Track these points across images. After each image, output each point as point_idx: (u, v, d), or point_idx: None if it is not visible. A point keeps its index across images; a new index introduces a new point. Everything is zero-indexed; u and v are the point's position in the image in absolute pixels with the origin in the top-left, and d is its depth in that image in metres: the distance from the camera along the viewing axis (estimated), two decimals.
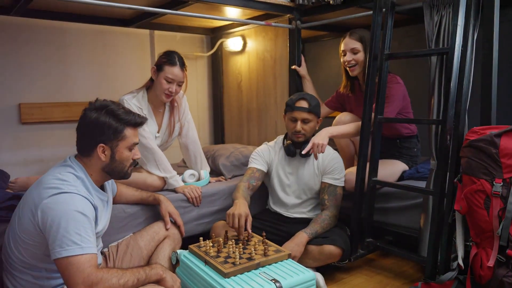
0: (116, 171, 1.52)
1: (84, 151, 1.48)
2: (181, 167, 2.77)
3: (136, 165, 1.61)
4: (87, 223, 1.32)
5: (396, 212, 2.24)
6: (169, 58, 2.13)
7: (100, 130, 1.43)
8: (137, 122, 1.51)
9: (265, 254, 1.70)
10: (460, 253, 1.70)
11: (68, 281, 1.25)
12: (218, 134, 3.53)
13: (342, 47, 2.35)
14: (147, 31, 3.16)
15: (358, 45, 2.27)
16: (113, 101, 1.53)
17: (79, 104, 2.86)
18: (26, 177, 2.28)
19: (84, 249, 1.27)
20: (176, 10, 2.40)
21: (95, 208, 1.42)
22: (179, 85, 2.17)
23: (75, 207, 1.31)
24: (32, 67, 2.69)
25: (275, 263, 1.69)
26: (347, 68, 2.35)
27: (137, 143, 1.55)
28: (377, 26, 2.10)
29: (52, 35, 2.74)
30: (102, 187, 1.58)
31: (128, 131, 1.48)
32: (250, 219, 1.90)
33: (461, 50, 1.78)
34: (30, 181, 2.22)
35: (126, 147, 1.49)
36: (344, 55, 2.33)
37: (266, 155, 2.27)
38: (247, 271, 1.61)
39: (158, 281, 1.43)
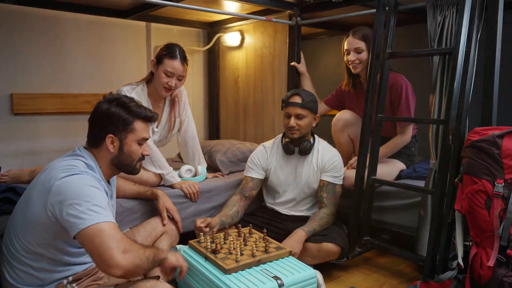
0: (124, 164, 1.49)
1: (94, 141, 1.46)
2: (176, 162, 2.74)
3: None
4: (103, 196, 1.30)
5: (393, 211, 2.25)
6: (169, 51, 2.07)
7: (110, 120, 1.43)
8: (147, 116, 1.50)
9: (266, 251, 1.68)
10: (460, 252, 1.71)
11: (99, 249, 1.18)
12: (213, 129, 3.50)
13: (345, 46, 2.34)
14: (143, 23, 3.11)
15: (361, 44, 2.27)
16: (126, 95, 1.53)
17: (73, 95, 2.81)
18: (19, 169, 2.22)
19: (107, 217, 1.24)
20: (175, 2, 2.36)
21: (106, 193, 1.40)
22: (179, 79, 2.12)
23: (90, 183, 1.29)
24: (26, 56, 2.62)
25: (276, 260, 1.68)
26: (350, 66, 2.34)
27: (147, 139, 1.53)
28: (380, 24, 2.10)
29: (47, 24, 2.67)
30: (108, 182, 1.55)
31: (138, 124, 1.47)
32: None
33: (465, 50, 1.78)
34: (23, 173, 2.17)
35: (135, 140, 1.48)
36: (348, 54, 2.32)
37: (262, 161, 2.26)
38: (248, 268, 1.60)
39: (164, 261, 1.39)
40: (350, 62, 2.32)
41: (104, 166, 1.47)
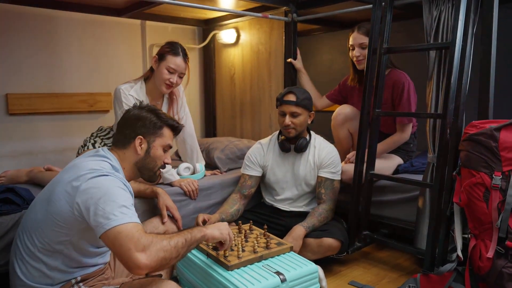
0: (147, 168, 1.54)
1: (122, 142, 1.51)
2: (174, 160, 2.73)
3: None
4: (129, 198, 1.32)
5: (391, 205, 2.26)
6: (172, 47, 2.08)
7: (141, 122, 1.51)
8: (174, 125, 1.59)
9: (267, 247, 1.69)
10: (459, 245, 1.73)
11: (119, 250, 1.21)
12: (210, 127, 3.50)
13: (350, 41, 2.35)
14: (138, 22, 3.09)
15: (366, 40, 2.26)
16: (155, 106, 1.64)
17: (68, 95, 2.79)
18: (16, 169, 2.21)
19: (130, 217, 1.25)
20: None
21: (130, 194, 1.42)
22: (180, 76, 2.13)
23: (117, 184, 1.32)
24: (20, 56, 2.59)
25: (278, 255, 1.68)
26: (354, 61, 2.36)
27: (171, 147, 1.60)
28: (377, 20, 2.11)
29: (41, 23, 2.65)
30: None
31: (166, 131, 1.56)
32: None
33: (461, 45, 1.80)
34: (20, 173, 2.16)
35: (161, 146, 1.55)
36: (353, 49, 2.34)
37: (258, 158, 2.27)
38: (250, 264, 1.60)
39: (203, 238, 1.41)
40: (355, 58, 2.33)
41: (127, 168, 1.50)
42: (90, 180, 1.29)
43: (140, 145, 1.50)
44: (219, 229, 1.47)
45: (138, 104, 1.60)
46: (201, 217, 2.01)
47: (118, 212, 1.23)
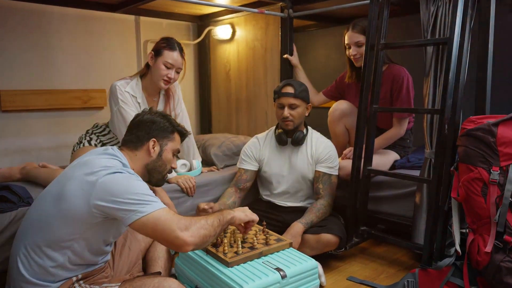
0: (157, 171, 1.56)
1: (134, 143, 1.53)
2: None
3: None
4: (148, 188, 1.35)
5: (388, 200, 2.27)
6: (168, 43, 2.07)
7: (156, 126, 1.55)
8: (182, 131, 1.65)
9: (266, 243, 1.69)
10: (457, 239, 1.74)
11: (162, 234, 1.27)
12: (206, 124, 3.48)
13: (346, 40, 2.35)
14: (132, 17, 3.06)
15: (361, 38, 2.26)
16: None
17: (62, 91, 2.75)
18: (8, 167, 2.17)
19: (160, 204, 1.31)
20: None
21: None
22: (178, 71, 2.12)
23: (135, 178, 1.36)
24: (13, 52, 2.55)
25: (277, 252, 1.68)
26: (352, 59, 2.36)
27: (179, 152, 1.65)
28: (374, 16, 2.10)
29: (34, 18, 2.61)
30: None
31: (176, 136, 1.61)
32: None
33: (459, 40, 1.80)
34: (12, 171, 2.13)
35: (171, 150, 1.59)
36: (349, 48, 2.34)
37: (255, 152, 2.27)
38: (250, 260, 1.60)
39: (232, 219, 1.48)
40: (352, 56, 2.33)
41: (136, 169, 1.50)
42: (107, 177, 1.30)
43: (153, 147, 1.53)
44: (243, 212, 1.54)
45: (150, 109, 1.65)
46: (202, 205, 2.00)
47: (147, 200, 1.29)
